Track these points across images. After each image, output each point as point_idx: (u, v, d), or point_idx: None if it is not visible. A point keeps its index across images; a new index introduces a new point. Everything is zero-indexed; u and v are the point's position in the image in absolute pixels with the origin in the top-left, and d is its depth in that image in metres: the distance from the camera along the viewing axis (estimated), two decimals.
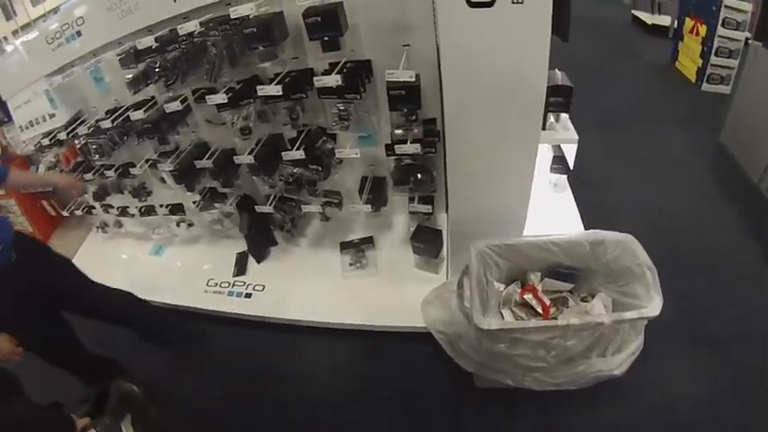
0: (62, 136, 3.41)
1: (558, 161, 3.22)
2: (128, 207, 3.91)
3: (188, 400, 2.84)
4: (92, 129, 3.25)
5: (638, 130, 4.45)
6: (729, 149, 3.91)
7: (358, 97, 2.49)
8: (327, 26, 2.28)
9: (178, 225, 3.87)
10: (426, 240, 2.91)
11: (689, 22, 5.33)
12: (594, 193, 3.38)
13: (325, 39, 2.37)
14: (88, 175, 3.60)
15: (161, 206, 3.71)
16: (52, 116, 3.55)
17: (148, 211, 3.82)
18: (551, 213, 3.09)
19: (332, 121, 2.64)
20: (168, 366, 3.07)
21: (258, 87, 2.52)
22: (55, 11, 3.66)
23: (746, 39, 4.62)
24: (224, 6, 2.53)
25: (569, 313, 2.27)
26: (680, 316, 1.99)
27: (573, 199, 3.29)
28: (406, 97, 2.35)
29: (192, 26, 2.48)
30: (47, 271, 2.45)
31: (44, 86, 3.42)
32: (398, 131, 2.58)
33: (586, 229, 2.95)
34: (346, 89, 2.44)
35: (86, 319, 2.65)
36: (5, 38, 4.42)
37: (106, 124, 3.11)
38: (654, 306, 1.90)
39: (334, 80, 2.36)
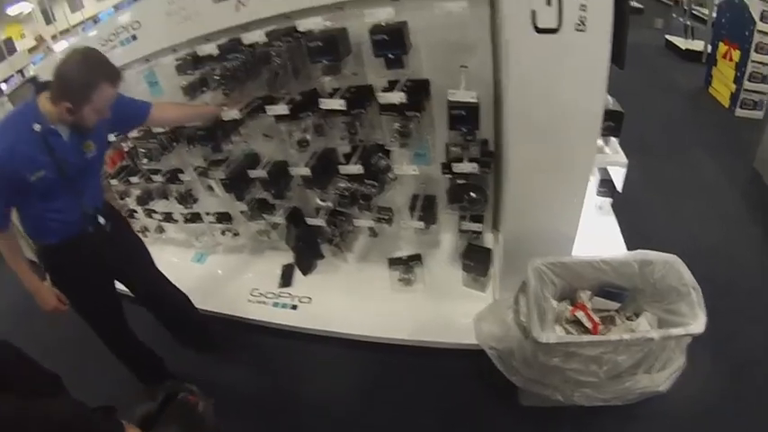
0: (111, 138, 3.39)
1: (605, 184, 3.22)
2: (172, 213, 3.91)
3: (227, 409, 2.82)
4: (142, 132, 3.26)
5: (672, 156, 4.41)
6: (763, 175, 3.86)
7: (418, 115, 2.50)
8: (393, 44, 2.30)
9: (223, 234, 3.86)
10: (476, 258, 2.90)
11: (722, 47, 5.27)
12: (630, 216, 3.34)
13: (390, 56, 2.37)
14: (133, 179, 3.63)
15: (207, 214, 3.72)
16: None
17: (194, 218, 3.83)
18: (596, 235, 3.07)
19: (390, 138, 2.62)
20: (208, 373, 3.06)
21: (320, 100, 2.54)
22: (94, 19, 3.69)
23: None
24: (284, 19, 2.56)
25: (617, 331, 2.28)
26: (712, 336, 1.99)
27: (616, 222, 3.27)
28: (466, 117, 2.36)
29: (256, 36, 2.50)
30: (120, 244, 2.51)
31: None
32: (455, 150, 2.58)
33: (628, 251, 2.92)
34: (408, 106, 2.44)
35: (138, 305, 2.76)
36: (51, 38, 4.47)
37: (158, 129, 3.12)
38: (699, 323, 1.92)
39: (398, 97, 2.37)
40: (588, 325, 2.23)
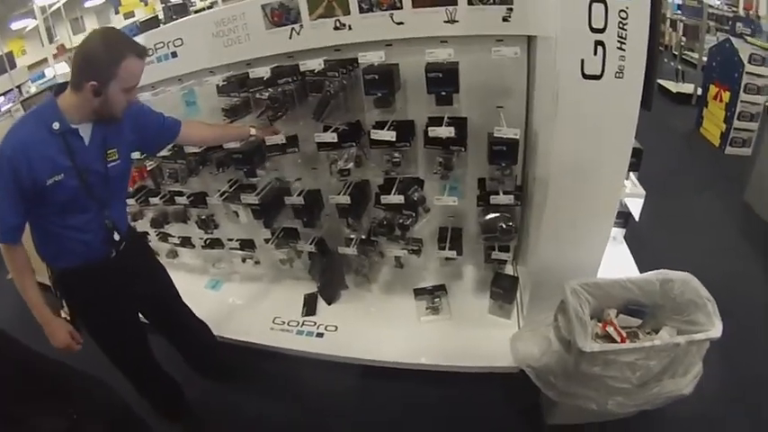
0: (135, 155, 3.35)
1: (620, 216, 3.32)
2: (190, 237, 3.85)
3: None
4: (171, 152, 3.21)
5: (669, 192, 4.55)
6: (754, 207, 4.17)
7: (463, 149, 2.62)
8: (447, 82, 2.44)
9: (244, 261, 3.81)
10: (505, 287, 2.97)
11: (713, 89, 5.57)
12: (637, 247, 3.49)
13: (443, 93, 2.50)
14: (154, 200, 3.57)
15: (230, 240, 3.67)
16: None
17: (213, 243, 3.75)
18: (613, 263, 3.12)
19: (434, 170, 2.71)
20: (229, 401, 3.04)
21: (372, 131, 2.60)
22: None
23: (766, 102, 4.89)
24: (332, 51, 2.65)
25: (644, 342, 2.38)
26: (716, 362, 2.22)
27: (629, 251, 3.42)
28: (506, 152, 2.51)
29: (315, 64, 2.53)
30: (142, 270, 2.37)
31: None
32: (492, 183, 2.72)
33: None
34: (454, 141, 2.55)
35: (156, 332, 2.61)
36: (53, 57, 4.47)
37: (192, 149, 3.10)
38: (717, 329, 2.08)
39: (447, 131, 2.47)
40: (618, 339, 2.34)
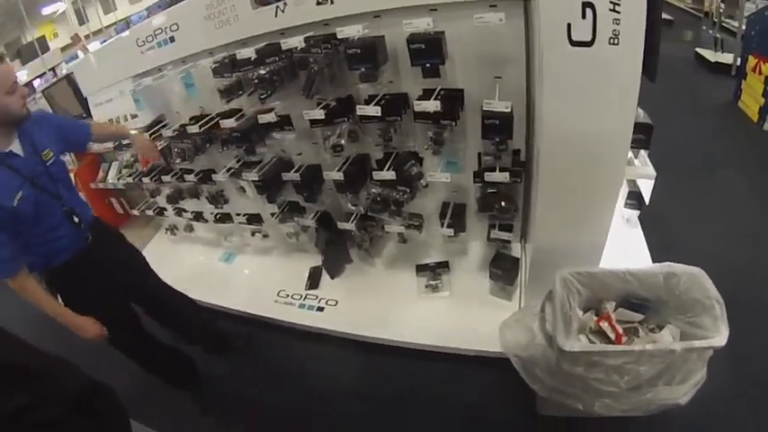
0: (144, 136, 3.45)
1: (633, 197, 3.22)
2: (202, 212, 3.97)
3: (242, 409, 2.94)
4: (176, 132, 3.30)
5: (699, 171, 4.38)
6: None
7: (454, 124, 2.54)
8: (431, 54, 2.35)
9: (253, 235, 3.92)
10: (504, 267, 2.91)
11: (752, 60, 5.21)
12: (656, 230, 3.32)
13: (427, 65, 2.43)
14: (166, 178, 3.68)
15: (238, 215, 3.75)
16: (134, 117, 3.69)
17: (224, 218, 3.87)
18: (623, 247, 3.05)
19: (425, 145, 2.66)
20: (229, 375, 3.16)
21: (357, 107, 2.56)
22: (127, 21, 3.76)
23: None
24: (322, 26, 2.62)
25: (640, 342, 2.27)
26: (730, 355, 2.00)
27: (643, 235, 3.25)
28: (499, 127, 2.38)
29: (296, 41, 2.52)
30: (117, 256, 2.61)
31: (130, 87, 3.49)
32: (487, 159, 2.62)
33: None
34: (443, 115, 2.48)
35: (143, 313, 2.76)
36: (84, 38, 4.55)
37: (193, 129, 3.16)
38: (721, 337, 1.92)
39: (433, 105, 2.40)
40: (612, 336, 2.24)
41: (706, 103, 5.91)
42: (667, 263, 2.24)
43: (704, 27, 7.47)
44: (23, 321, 2.69)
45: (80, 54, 6.40)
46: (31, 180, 2.10)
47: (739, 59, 5.85)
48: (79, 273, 2.32)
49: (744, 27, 5.91)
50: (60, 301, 2.29)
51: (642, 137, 2.39)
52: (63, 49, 8.63)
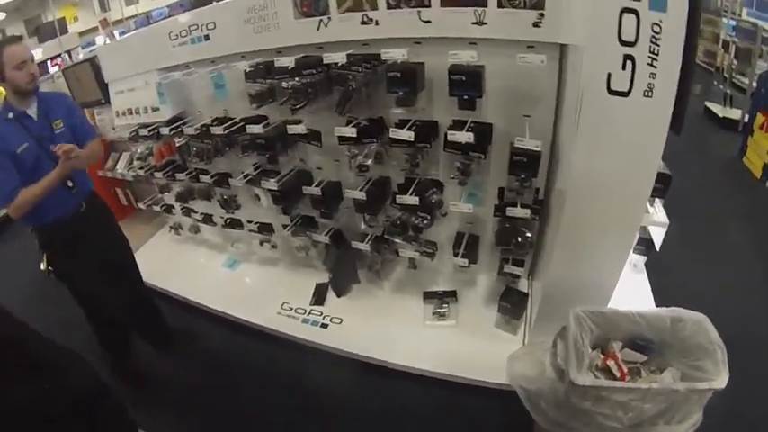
0: (164, 131, 3.47)
1: (642, 242, 3.25)
2: (212, 215, 3.94)
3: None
4: (198, 131, 3.28)
5: (702, 221, 4.41)
6: None
7: (483, 157, 2.55)
8: (470, 86, 2.37)
9: (261, 244, 3.89)
10: (514, 301, 2.92)
11: (760, 118, 5.29)
12: (659, 275, 3.38)
13: (465, 97, 2.45)
14: (180, 175, 3.66)
15: (249, 222, 3.73)
16: (155, 110, 3.61)
17: (234, 224, 3.84)
18: (628, 291, 3.04)
19: (450, 175, 2.66)
20: (223, 380, 3.15)
21: (390, 130, 2.57)
22: (147, 15, 3.75)
23: None
24: (361, 45, 2.63)
25: (643, 382, 2.28)
26: (727, 400, 2.03)
27: (647, 280, 3.31)
28: (526, 164, 2.41)
29: (338, 57, 2.52)
30: (106, 233, 2.92)
31: (157, 79, 3.46)
32: (510, 195, 2.65)
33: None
34: (473, 147, 2.49)
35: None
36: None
37: (217, 131, 3.15)
38: (722, 380, 1.97)
39: (466, 137, 2.41)
40: (617, 374, 2.26)
41: (711, 156, 5.98)
42: (674, 307, 2.28)
43: (715, 82, 7.56)
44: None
45: (100, 40, 6.38)
46: (37, 140, 2.45)
47: (747, 116, 5.96)
48: (67, 235, 2.60)
49: (755, 85, 6.02)
50: (45, 261, 2.60)
51: (660, 186, 2.42)
52: (81, 34, 8.61)
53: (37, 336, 1.97)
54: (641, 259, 3.39)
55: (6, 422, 1.64)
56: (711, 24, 8.06)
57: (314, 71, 2.66)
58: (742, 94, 6.72)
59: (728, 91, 6.95)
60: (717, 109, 6.89)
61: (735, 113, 6.62)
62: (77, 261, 2.65)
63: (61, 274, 2.65)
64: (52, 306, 3.22)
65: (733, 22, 7.61)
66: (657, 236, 2.79)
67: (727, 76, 7.27)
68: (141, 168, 3.97)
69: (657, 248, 2.83)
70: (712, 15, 8.05)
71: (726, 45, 7.65)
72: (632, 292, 3.14)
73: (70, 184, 2.58)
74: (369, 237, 3.17)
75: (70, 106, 2.78)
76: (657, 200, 2.62)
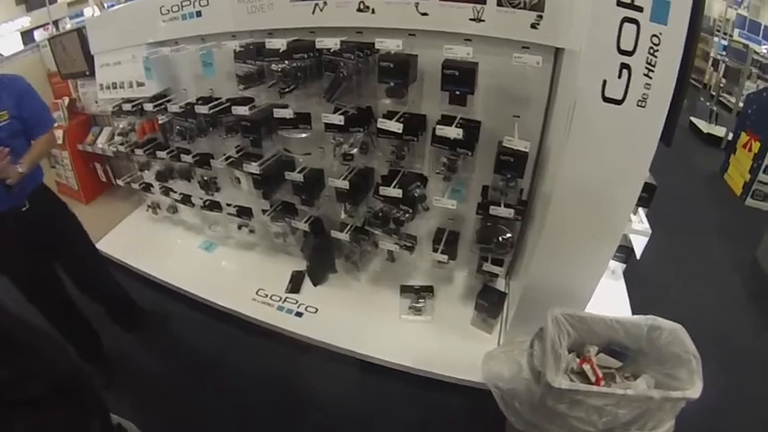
0: (148, 107, 3.39)
1: (622, 250, 3.29)
2: (191, 196, 3.87)
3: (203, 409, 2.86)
4: (183, 110, 3.21)
5: (680, 234, 4.44)
6: (763, 265, 4.00)
7: (470, 154, 2.54)
8: (463, 82, 2.36)
9: (239, 228, 3.84)
10: (492, 300, 2.92)
11: (744, 137, 5.39)
12: (637, 284, 3.42)
13: (457, 93, 2.42)
14: (161, 153, 3.59)
15: (228, 205, 3.68)
16: (141, 85, 3.56)
17: (212, 206, 3.78)
18: (605, 297, 3.06)
19: (436, 170, 2.64)
20: (195, 367, 3.10)
21: (378, 120, 2.53)
22: None
23: None
24: (354, 33, 2.60)
25: (617, 388, 2.30)
26: (697, 409, 2.04)
27: (625, 287, 3.35)
28: (513, 164, 2.41)
29: (331, 42, 2.48)
30: (54, 229, 2.66)
31: (144, 54, 3.38)
32: (494, 194, 2.65)
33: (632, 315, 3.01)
34: (462, 143, 2.48)
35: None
36: None
37: (202, 110, 3.08)
38: (696, 389, 1.98)
39: (454, 132, 2.40)
40: (592, 378, 2.27)
41: (694, 170, 6.08)
42: (651, 316, 2.29)
43: (702, 98, 7.67)
44: None
45: (89, 11, 6.28)
46: None
47: (731, 134, 6.05)
48: (8, 233, 2.42)
49: (741, 104, 6.11)
50: None
51: (645, 195, 2.43)
52: (70, 4, 8.48)
53: (12, 317, 1.92)
54: (620, 266, 3.42)
55: None
56: (702, 42, 8.17)
57: (305, 55, 2.62)
58: (727, 112, 6.86)
59: (715, 108, 7.06)
60: (702, 125, 7.01)
61: (719, 131, 6.73)
62: (13, 258, 2.50)
63: (5, 269, 2.53)
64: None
65: (724, 42, 7.72)
66: (639, 245, 2.82)
67: (714, 93, 7.38)
68: (122, 144, 3.89)
69: (638, 257, 2.86)
70: (705, 34, 8.15)
71: (715, 63, 7.79)
72: (609, 299, 3.16)
73: (9, 182, 2.33)
74: (348, 227, 3.15)
75: (22, 93, 2.50)
76: (641, 209, 2.65)
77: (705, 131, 6.88)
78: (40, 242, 2.55)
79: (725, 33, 8.21)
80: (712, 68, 7.97)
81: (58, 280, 2.74)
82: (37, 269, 2.60)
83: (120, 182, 4.23)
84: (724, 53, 7.54)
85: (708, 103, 7.26)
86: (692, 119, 7.13)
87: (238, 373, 3.03)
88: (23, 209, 2.47)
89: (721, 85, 7.34)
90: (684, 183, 5.61)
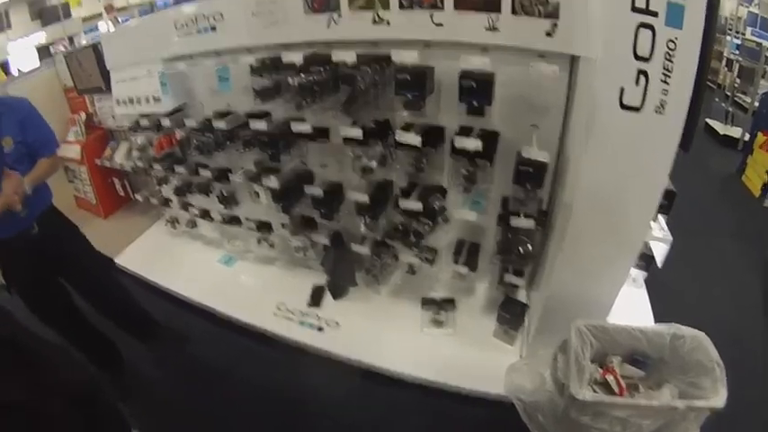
0: (166, 122, 3.41)
1: (643, 258, 3.20)
2: (210, 211, 3.89)
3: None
4: (200, 124, 3.23)
5: (698, 237, 4.36)
6: None
7: (489, 164, 2.51)
8: (481, 93, 2.34)
9: (259, 242, 3.83)
10: (514, 312, 2.89)
11: (761, 137, 5.31)
12: (655, 292, 3.38)
13: (475, 104, 2.42)
14: (178, 168, 3.61)
15: (247, 219, 3.69)
16: (157, 100, 3.55)
17: (232, 220, 3.80)
18: (627, 306, 3.03)
19: (455, 181, 2.62)
20: (214, 382, 3.09)
21: (397, 132, 2.52)
22: (152, 4, 3.70)
23: None
24: (370, 45, 2.58)
25: (641, 398, 2.29)
26: (719, 417, 2.01)
27: (647, 295, 3.30)
28: (532, 174, 2.37)
29: (348, 56, 2.48)
30: (63, 250, 2.66)
31: (160, 69, 3.40)
32: (514, 204, 2.60)
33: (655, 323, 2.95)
34: (481, 154, 2.45)
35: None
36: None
37: (219, 125, 3.10)
38: (720, 398, 1.96)
39: (474, 144, 2.39)
40: (616, 389, 2.25)
41: (711, 173, 5.99)
42: (674, 324, 2.27)
43: (717, 99, 7.55)
44: None
45: (103, 26, 6.34)
46: None
47: (748, 135, 5.99)
48: (17, 253, 2.45)
49: (757, 104, 6.04)
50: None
51: (665, 202, 2.43)
52: (85, 19, 8.60)
53: (29, 333, 1.93)
54: (641, 274, 3.34)
55: (4, 421, 1.61)
56: (715, 42, 8.06)
57: (321, 69, 2.62)
58: (743, 112, 6.73)
59: (730, 109, 6.97)
60: (718, 126, 6.91)
61: (735, 131, 6.64)
62: (23, 278, 2.55)
63: (17, 290, 2.55)
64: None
65: (737, 41, 7.65)
66: (660, 252, 2.79)
67: (729, 93, 7.27)
68: (140, 159, 3.90)
69: (660, 265, 2.82)
70: (717, 33, 8.04)
71: (729, 63, 7.70)
72: (631, 307, 3.11)
73: (19, 207, 2.32)
74: (368, 240, 3.14)
75: (25, 117, 2.48)
76: (661, 216, 2.64)
77: (721, 133, 6.77)
78: (48, 262, 2.58)
79: (737, 32, 8.12)
80: (726, 68, 7.86)
81: (68, 296, 2.77)
82: (45, 288, 2.62)
83: (138, 197, 4.26)
84: (737, 52, 7.44)
85: (723, 104, 7.15)
86: (708, 120, 7.04)
87: (254, 385, 3.03)
88: (33, 232, 2.48)
89: (736, 85, 7.22)
90: (701, 186, 5.53)
